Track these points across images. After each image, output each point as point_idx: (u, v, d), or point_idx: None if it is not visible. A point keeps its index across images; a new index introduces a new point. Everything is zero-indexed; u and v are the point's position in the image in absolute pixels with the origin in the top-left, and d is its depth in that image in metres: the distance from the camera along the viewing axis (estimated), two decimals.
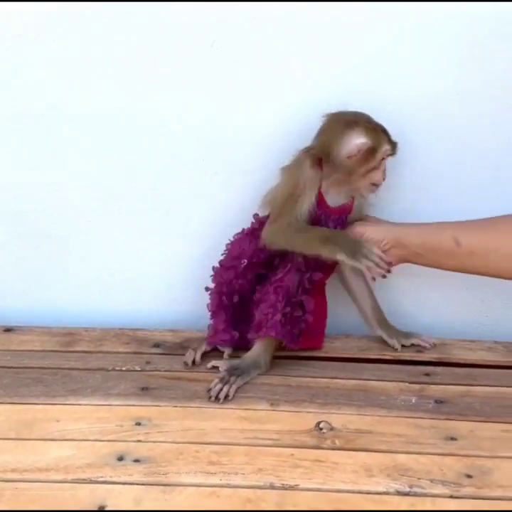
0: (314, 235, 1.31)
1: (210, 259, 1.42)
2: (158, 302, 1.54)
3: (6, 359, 1.39)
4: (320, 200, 1.34)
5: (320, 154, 1.31)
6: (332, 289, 1.45)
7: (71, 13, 1.36)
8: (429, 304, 1.53)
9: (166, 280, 1.53)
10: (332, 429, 1.21)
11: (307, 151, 1.32)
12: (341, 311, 1.47)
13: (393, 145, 1.31)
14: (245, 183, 1.44)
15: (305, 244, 1.31)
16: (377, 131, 1.29)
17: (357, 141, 1.28)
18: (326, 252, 1.29)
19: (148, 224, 1.50)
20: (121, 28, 1.38)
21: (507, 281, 1.34)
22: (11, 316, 1.51)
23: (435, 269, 1.38)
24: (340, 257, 1.28)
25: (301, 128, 1.35)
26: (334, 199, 1.36)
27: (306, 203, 1.31)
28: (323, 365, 1.39)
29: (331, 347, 1.45)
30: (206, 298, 1.43)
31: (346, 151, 1.28)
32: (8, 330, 1.49)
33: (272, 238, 1.33)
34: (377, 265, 1.27)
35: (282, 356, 1.38)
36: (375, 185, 1.34)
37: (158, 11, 1.36)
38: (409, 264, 1.37)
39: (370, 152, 1.29)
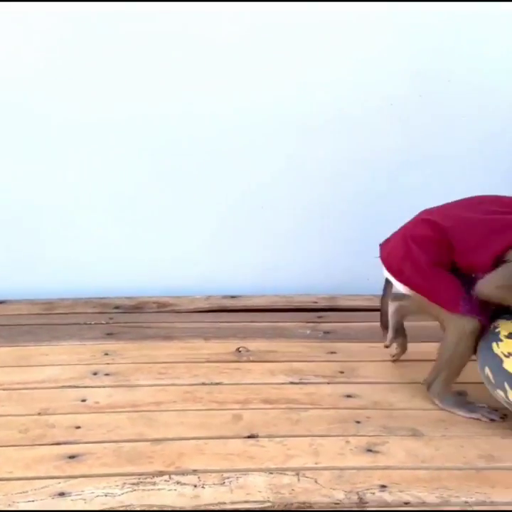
0: None
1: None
2: (118, 278, 1.99)
3: (1, 321, 1.82)
4: None
5: None
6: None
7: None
8: (329, 270, 2.01)
9: (123, 261, 1.99)
10: (248, 351, 1.68)
11: None
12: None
13: None
14: None
15: None
16: None
17: None
18: None
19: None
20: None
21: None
22: (1, 293, 1.94)
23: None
24: None
25: None
26: None
27: None
28: (244, 315, 1.87)
29: (253, 302, 1.93)
30: (154, 274, 1.92)
31: None
32: (0, 302, 1.92)
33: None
34: None
35: (211, 310, 1.87)
36: None
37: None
38: None
39: None
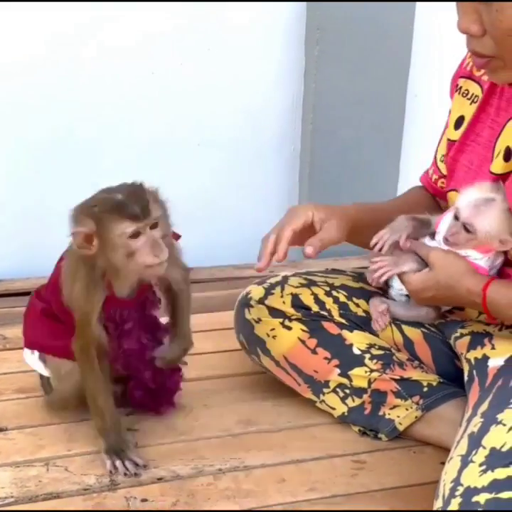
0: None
1: None
2: None
3: None
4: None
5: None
6: None
7: None
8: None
9: None
10: (5, 338, 1.56)
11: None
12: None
13: (138, 217, 1.06)
14: None
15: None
16: (104, 214, 1.07)
17: (75, 230, 1.09)
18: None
19: None
20: None
21: None
22: None
23: None
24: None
25: None
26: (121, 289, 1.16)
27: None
28: (5, 300, 1.73)
29: (16, 285, 1.78)
30: None
31: (74, 243, 1.11)
32: None
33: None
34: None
35: None
36: (151, 267, 1.10)
37: None
38: None
39: (101, 238, 1.08)
